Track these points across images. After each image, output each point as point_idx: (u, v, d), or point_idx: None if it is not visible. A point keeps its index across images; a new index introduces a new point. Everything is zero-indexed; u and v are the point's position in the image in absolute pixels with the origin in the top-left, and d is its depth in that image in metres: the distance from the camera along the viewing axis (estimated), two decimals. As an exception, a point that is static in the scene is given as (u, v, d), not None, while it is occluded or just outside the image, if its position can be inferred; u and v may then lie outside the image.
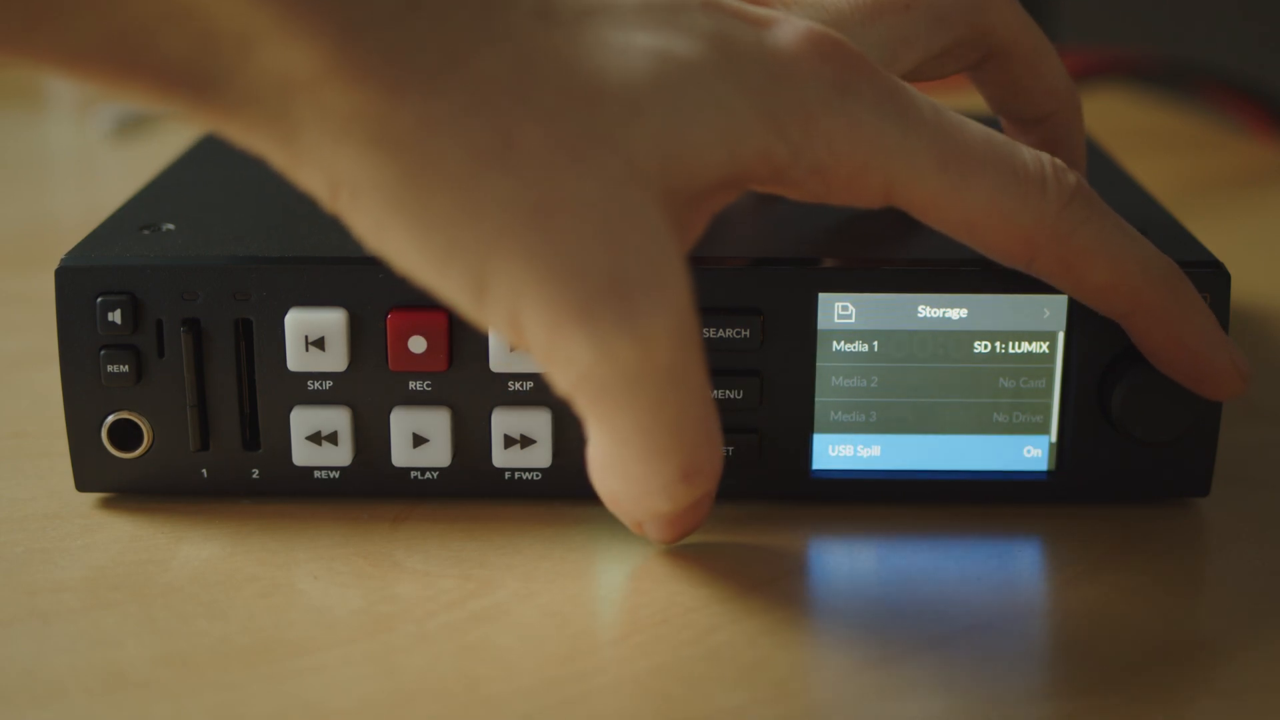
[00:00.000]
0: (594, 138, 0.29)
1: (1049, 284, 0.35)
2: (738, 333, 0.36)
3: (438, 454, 0.37)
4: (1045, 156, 0.33)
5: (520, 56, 0.29)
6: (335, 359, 0.36)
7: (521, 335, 0.29)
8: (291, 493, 0.38)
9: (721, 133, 0.30)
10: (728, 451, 0.37)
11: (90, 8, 0.27)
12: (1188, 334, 0.35)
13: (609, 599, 0.35)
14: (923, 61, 0.37)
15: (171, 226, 0.38)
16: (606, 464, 0.32)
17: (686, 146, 0.30)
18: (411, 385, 0.37)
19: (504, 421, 0.37)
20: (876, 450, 0.38)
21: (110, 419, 0.37)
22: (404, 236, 0.29)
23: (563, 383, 0.30)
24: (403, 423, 0.37)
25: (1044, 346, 0.37)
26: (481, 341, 0.36)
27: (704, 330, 0.36)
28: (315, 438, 0.37)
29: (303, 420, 0.37)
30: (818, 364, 0.37)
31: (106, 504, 0.38)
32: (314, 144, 0.28)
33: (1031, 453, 0.38)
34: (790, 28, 0.31)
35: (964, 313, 0.37)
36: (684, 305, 0.30)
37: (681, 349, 0.30)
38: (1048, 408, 0.37)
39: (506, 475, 0.38)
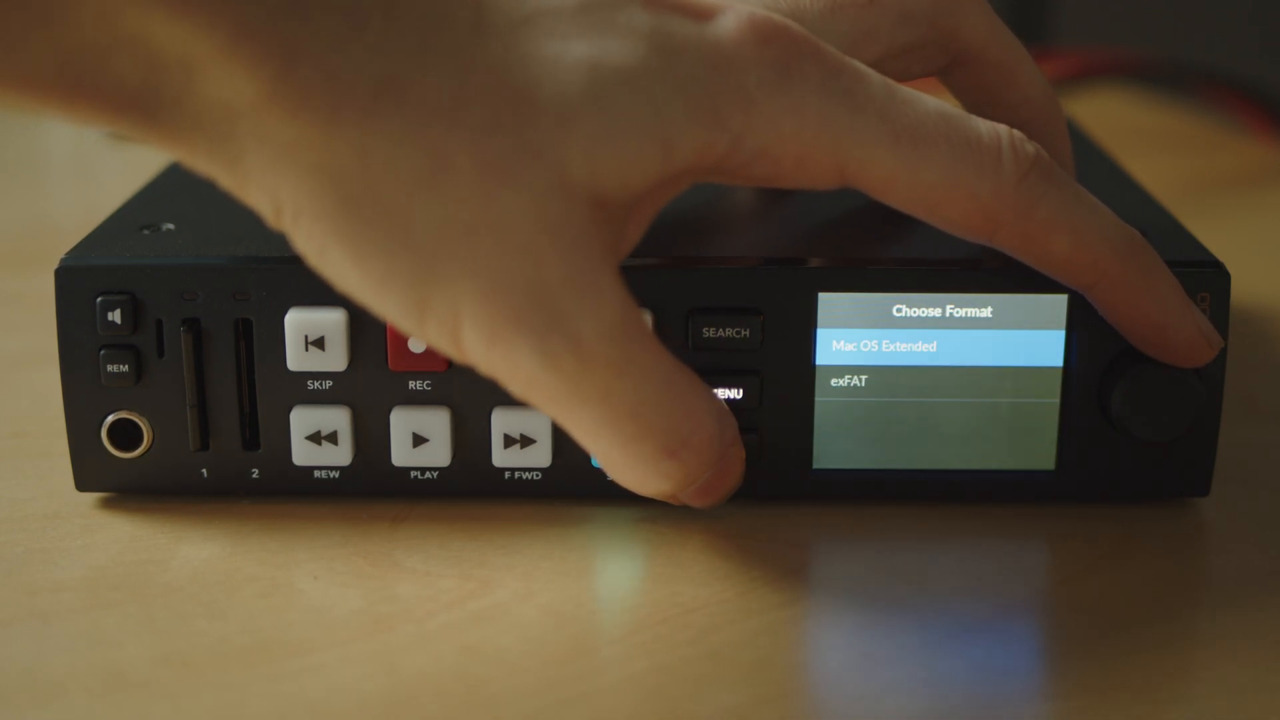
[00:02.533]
0: (523, 153, 0.29)
1: (1012, 256, 0.34)
2: (738, 333, 0.36)
3: (438, 454, 0.37)
4: (1003, 128, 0.33)
5: (455, 78, 0.29)
6: (335, 359, 0.36)
7: (464, 352, 0.30)
8: (291, 493, 0.38)
9: (654, 136, 0.30)
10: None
11: (40, 32, 0.27)
12: (1153, 304, 0.35)
13: (609, 599, 0.35)
14: (884, 57, 0.37)
15: (171, 226, 0.38)
16: (599, 459, 0.32)
17: (617, 154, 0.30)
18: (411, 385, 0.37)
19: (504, 421, 0.37)
20: (877, 449, 0.38)
21: (110, 419, 0.37)
22: (345, 263, 0.30)
23: (515, 392, 0.31)
24: (403, 422, 0.37)
25: (1044, 346, 0.37)
26: (481, 341, 0.36)
27: (704, 330, 0.36)
28: (315, 437, 0.37)
29: (303, 420, 0.37)
30: (818, 364, 0.37)
31: (106, 504, 0.38)
32: (257, 169, 0.29)
33: (1032, 452, 0.38)
34: (732, 15, 0.32)
35: (965, 312, 0.37)
36: (613, 302, 0.30)
37: (619, 343, 0.30)
38: (1048, 407, 0.37)
39: (506, 475, 0.38)
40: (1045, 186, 0.33)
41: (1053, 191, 0.33)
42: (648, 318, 0.36)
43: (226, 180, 0.30)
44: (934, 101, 0.33)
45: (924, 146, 0.32)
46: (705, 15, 0.32)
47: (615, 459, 0.32)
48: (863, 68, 0.32)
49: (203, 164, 0.30)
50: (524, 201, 0.29)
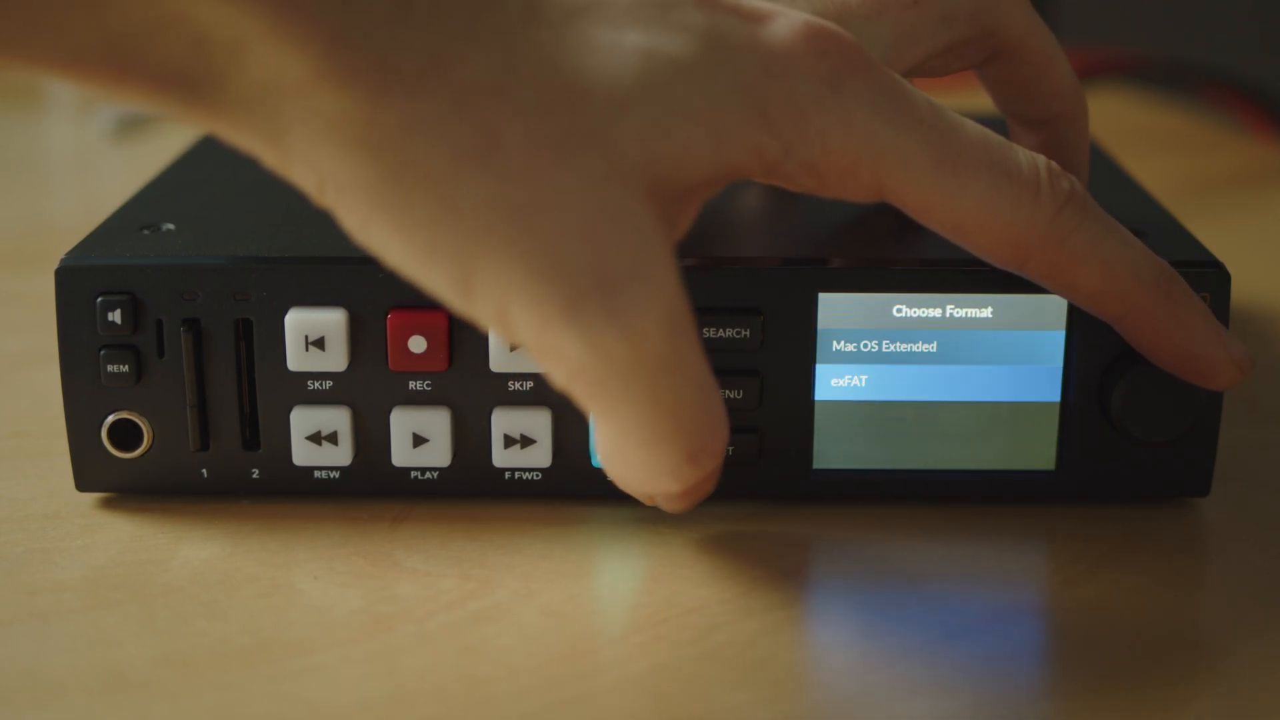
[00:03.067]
0: (578, 136, 0.29)
1: (1041, 285, 0.35)
2: (738, 333, 0.36)
3: (438, 454, 0.37)
4: (1041, 159, 0.33)
5: (505, 58, 0.29)
6: (335, 359, 0.36)
7: (512, 332, 0.29)
8: (291, 493, 0.38)
9: (709, 130, 0.30)
10: (728, 451, 0.37)
11: (85, 13, 0.27)
12: (1181, 335, 0.35)
13: (609, 599, 0.35)
14: (928, 58, 0.37)
15: (171, 226, 0.38)
16: (612, 451, 0.32)
17: (672, 143, 0.30)
18: (411, 385, 0.37)
19: (504, 421, 0.37)
20: (877, 449, 0.38)
21: (110, 419, 0.37)
22: (388, 234, 0.29)
23: (558, 378, 0.30)
24: (403, 423, 0.37)
25: (1044, 346, 0.37)
26: (481, 341, 0.36)
27: (704, 330, 0.36)
28: (315, 438, 0.37)
29: (303, 420, 0.37)
30: (818, 364, 0.37)
31: (106, 504, 0.38)
32: (301, 144, 0.29)
33: (1032, 452, 0.38)
34: (786, 21, 0.31)
35: (965, 313, 0.37)
36: (671, 296, 0.30)
37: (672, 339, 0.30)
38: (1048, 407, 0.37)
39: (506, 475, 0.38)
40: (1079, 220, 0.33)
41: (1086, 225, 0.33)
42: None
43: (269, 157, 0.30)
44: (977, 127, 0.33)
45: (965, 173, 0.32)
46: (759, 19, 0.31)
47: (635, 455, 0.31)
48: (910, 87, 0.32)
49: (246, 140, 0.29)
50: (580, 184, 0.29)
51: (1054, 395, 0.37)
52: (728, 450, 0.32)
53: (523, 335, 0.29)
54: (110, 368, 0.36)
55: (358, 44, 0.28)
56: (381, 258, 0.30)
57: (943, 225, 0.33)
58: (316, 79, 0.28)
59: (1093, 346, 0.37)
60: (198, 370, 0.37)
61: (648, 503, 0.34)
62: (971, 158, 0.32)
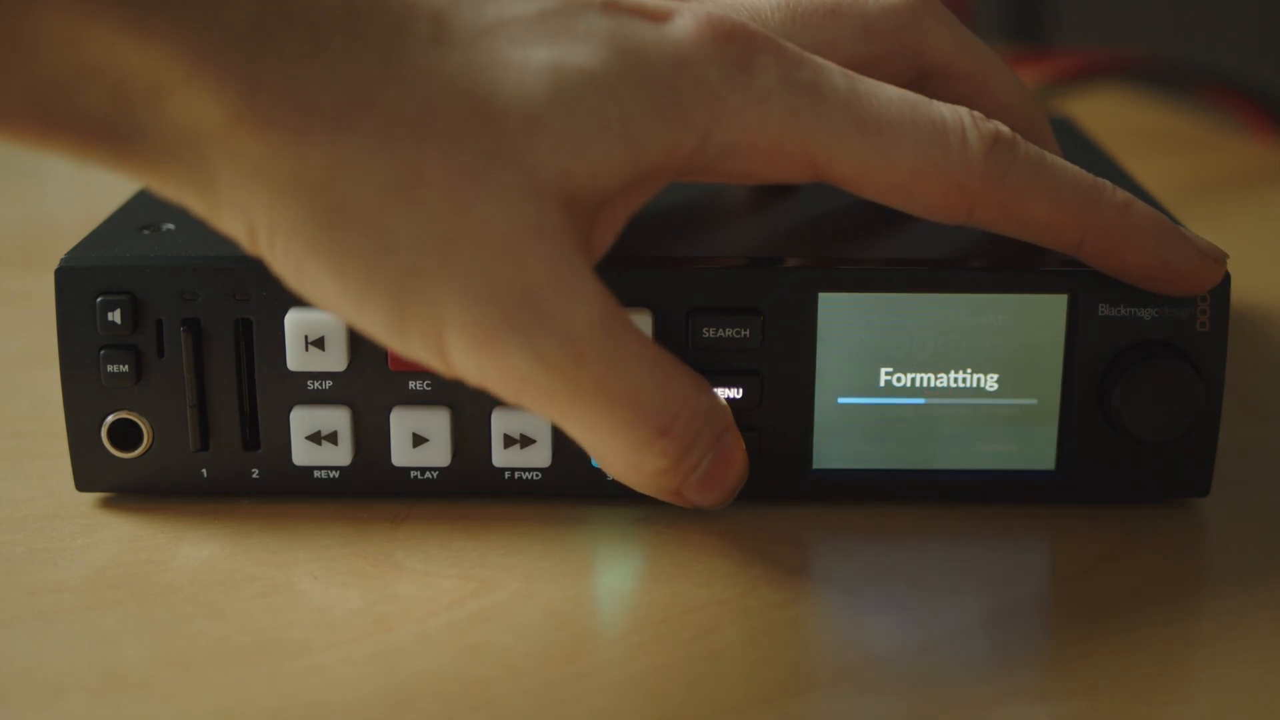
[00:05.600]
0: (496, 160, 0.30)
1: (995, 231, 0.34)
2: (738, 332, 0.36)
3: (438, 454, 0.37)
4: (962, 108, 0.34)
5: (422, 88, 0.29)
6: (335, 359, 0.36)
7: (451, 362, 0.30)
8: (291, 493, 0.38)
9: (623, 136, 0.31)
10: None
11: (5, 65, 0.27)
12: (1145, 245, 0.35)
13: (609, 599, 0.35)
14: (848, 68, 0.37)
15: (171, 226, 0.38)
16: (593, 450, 0.32)
17: (586, 154, 0.30)
18: (411, 385, 0.37)
19: (504, 421, 0.37)
20: (877, 449, 0.38)
21: (110, 419, 0.37)
22: (324, 277, 0.30)
23: (507, 396, 0.31)
24: (402, 422, 0.37)
25: (1044, 346, 0.37)
26: (481, 341, 0.36)
27: (704, 330, 0.36)
28: (315, 437, 0.37)
29: (303, 420, 0.37)
30: (818, 364, 0.37)
31: (106, 504, 0.38)
32: (230, 190, 0.29)
33: (1032, 452, 0.38)
34: (690, 15, 0.32)
35: (965, 312, 0.37)
36: (597, 297, 0.31)
37: (605, 334, 0.31)
38: (1048, 407, 0.37)
39: (506, 475, 0.38)
40: (1012, 154, 0.33)
41: (1020, 159, 0.34)
42: (648, 318, 0.36)
43: (199, 206, 0.30)
44: (894, 89, 0.33)
45: (891, 132, 0.32)
46: (663, 17, 0.32)
47: (614, 448, 0.32)
48: (822, 60, 0.33)
49: (174, 190, 0.30)
50: (498, 207, 0.29)
51: (1054, 395, 0.37)
52: (721, 414, 0.32)
53: (461, 362, 0.30)
54: (110, 368, 0.36)
55: (276, 85, 0.28)
56: (317, 303, 0.31)
57: (884, 189, 0.33)
58: (237, 122, 0.28)
59: (1093, 347, 0.37)
60: (198, 370, 0.37)
61: (681, 503, 0.34)
62: (895, 116, 0.33)
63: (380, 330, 0.30)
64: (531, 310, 0.30)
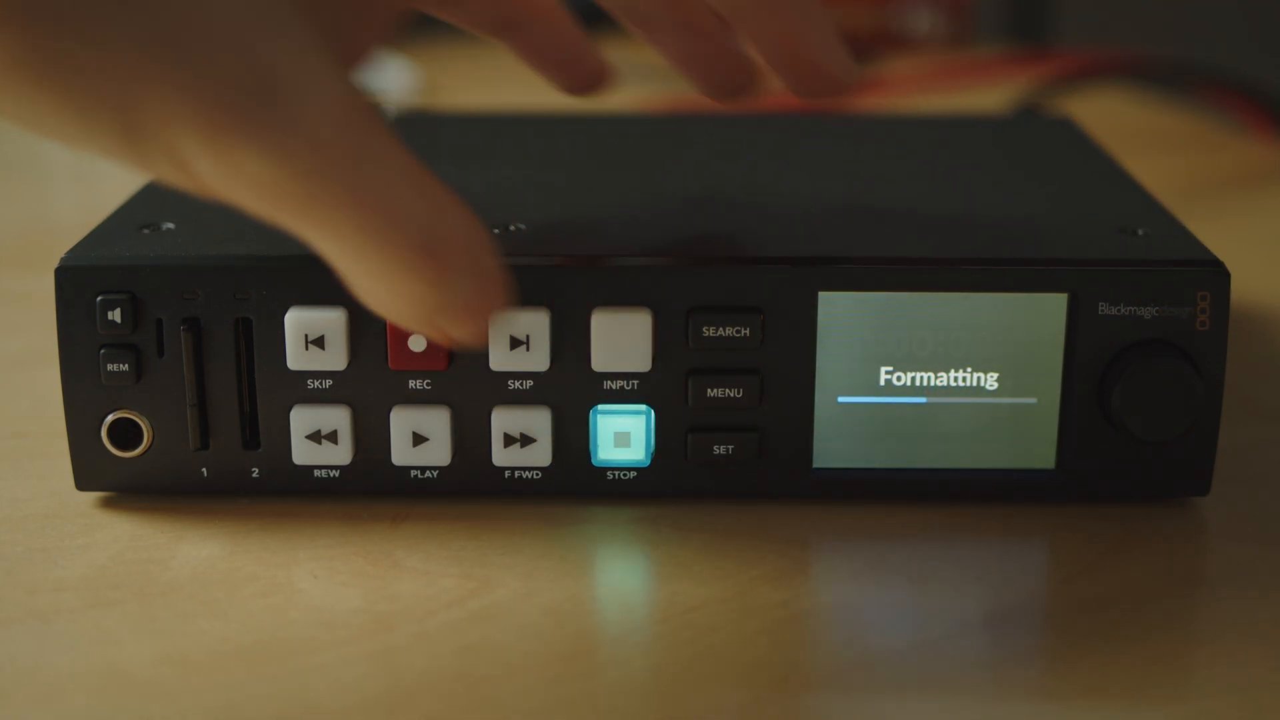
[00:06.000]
0: None
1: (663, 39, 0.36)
2: (738, 332, 0.36)
3: (437, 453, 0.37)
4: None
5: None
6: (335, 358, 0.36)
7: (189, 170, 0.28)
8: (291, 492, 0.38)
9: None
10: (728, 450, 0.37)
11: None
12: (793, 20, 0.36)
13: (609, 599, 0.35)
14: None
15: (171, 226, 0.38)
16: (355, 278, 0.30)
17: None
18: (411, 384, 0.37)
19: (504, 420, 0.37)
20: (877, 449, 0.38)
21: (110, 418, 0.37)
22: (43, 97, 0.28)
23: (253, 205, 0.29)
24: (402, 422, 0.37)
25: (1044, 345, 0.37)
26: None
27: (704, 330, 0.36)
28: (315, 437, 0.37)
29: (302, 419, 0.37)
30: (818, 363, 0.37)
31: (106, 504, 0.38)
32: None
33: (1032, 452, 0.38)
34: None
35: (965, 311, 0.37)
36: (338, 91, 0.29)
37: (353, 131, 0.29)
38: (1048, 407, 0.37)
39: (506, 474, 0.38)
40: None
41: None
42: (648, 316, 0.36)
43: None
44: None
45: None
46: None
47: (370, 266, 0.29)
48: None
49: None
50: (226, 3, 0.28)
51: (1054, 395, 0.37)
52: (482, 234, 0.30)
53: (201, 168, 0.28)
54: (110, 367, 0.36)
55: None
56: (43, 131, 0.29)
57: None
58: None
59: (1093, 346, 0.37)
60: (197, 369, 0.37)
61: (441, 340, 0.32)
62: None
63: (113, 144, 0.28)
64: (262, 102, 0.28)
